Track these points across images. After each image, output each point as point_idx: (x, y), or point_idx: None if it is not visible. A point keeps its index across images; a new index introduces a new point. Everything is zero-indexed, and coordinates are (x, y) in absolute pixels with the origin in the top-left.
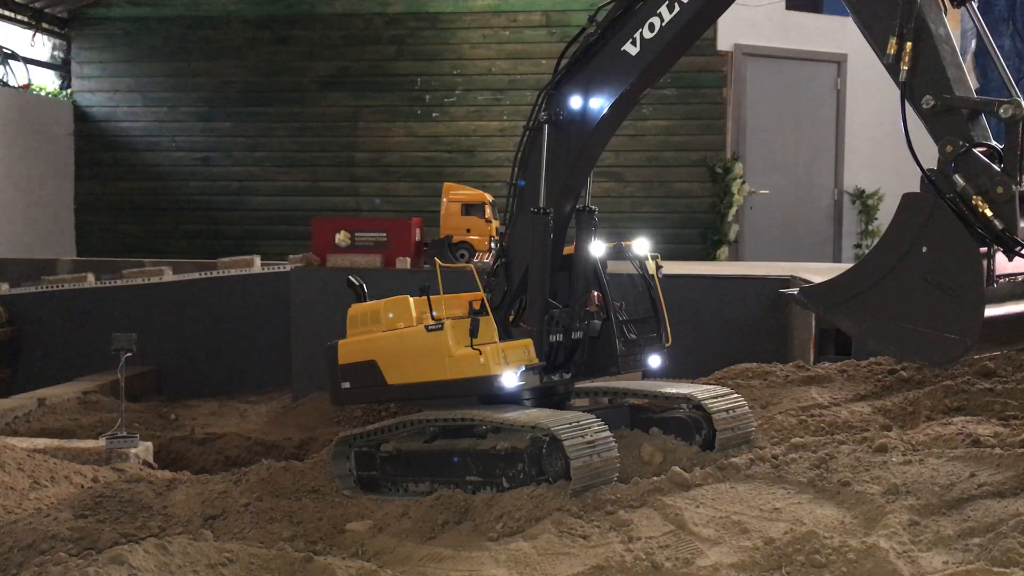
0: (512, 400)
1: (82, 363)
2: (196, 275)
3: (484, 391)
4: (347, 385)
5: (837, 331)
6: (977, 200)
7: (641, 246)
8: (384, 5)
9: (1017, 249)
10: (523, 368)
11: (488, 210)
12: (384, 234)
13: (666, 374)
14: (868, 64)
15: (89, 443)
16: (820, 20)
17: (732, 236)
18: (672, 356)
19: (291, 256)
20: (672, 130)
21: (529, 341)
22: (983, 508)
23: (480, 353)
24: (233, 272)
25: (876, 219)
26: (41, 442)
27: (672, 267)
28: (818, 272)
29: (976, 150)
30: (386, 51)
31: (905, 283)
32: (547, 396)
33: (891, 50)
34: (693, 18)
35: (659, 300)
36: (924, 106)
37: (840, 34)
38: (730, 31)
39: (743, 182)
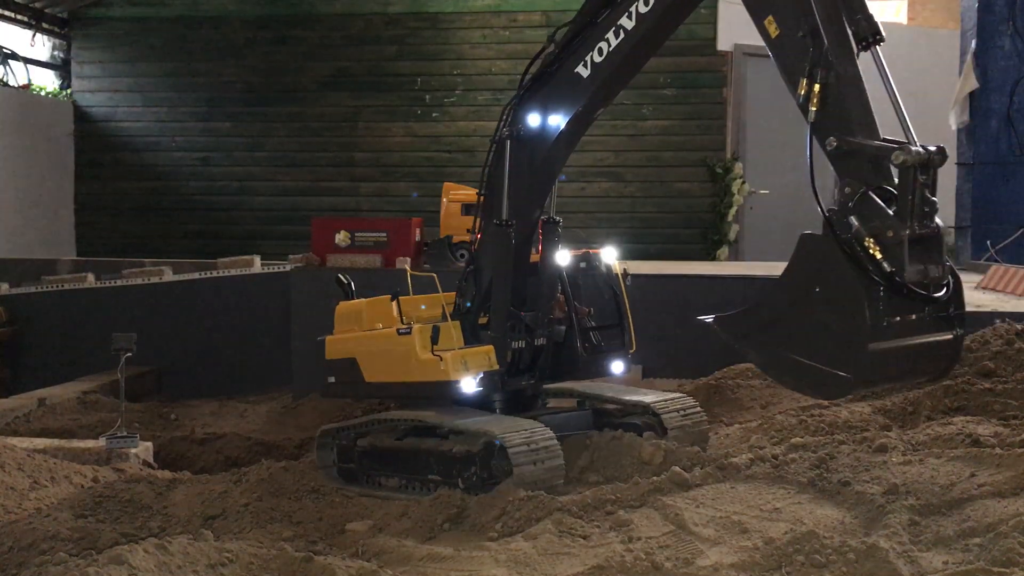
0: (477, 404)
1: (82, 363)
2: (196, 275)
3: (445, 395)
4: (332, 380)
5: None
6: (869, 242)
7: (608, 254)
8: (384, 5)
9: (904, 291)
10: (482, 374)
11: None
12: (384, 234)
13: (664, 374)
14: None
15: (89, 443)
16: None
17: (732, 236)
18: (673, 356)
19: (291, 256)
20: (672, 130)
21: (491, 347)
22: (983, 508)
23: (441, 359)
24: (233, 272)
25: None
26: (41, 442)
27: (672, 267)
28: None
29: (873, 193)
30: (386, 51)
31: (800, 320)
32: (513, 400)
33: (801, 91)
34: (638, 43)
35: (624, 307)
36: (828, 147)
37: None
38: (730, 31)
39: (743, 182)
